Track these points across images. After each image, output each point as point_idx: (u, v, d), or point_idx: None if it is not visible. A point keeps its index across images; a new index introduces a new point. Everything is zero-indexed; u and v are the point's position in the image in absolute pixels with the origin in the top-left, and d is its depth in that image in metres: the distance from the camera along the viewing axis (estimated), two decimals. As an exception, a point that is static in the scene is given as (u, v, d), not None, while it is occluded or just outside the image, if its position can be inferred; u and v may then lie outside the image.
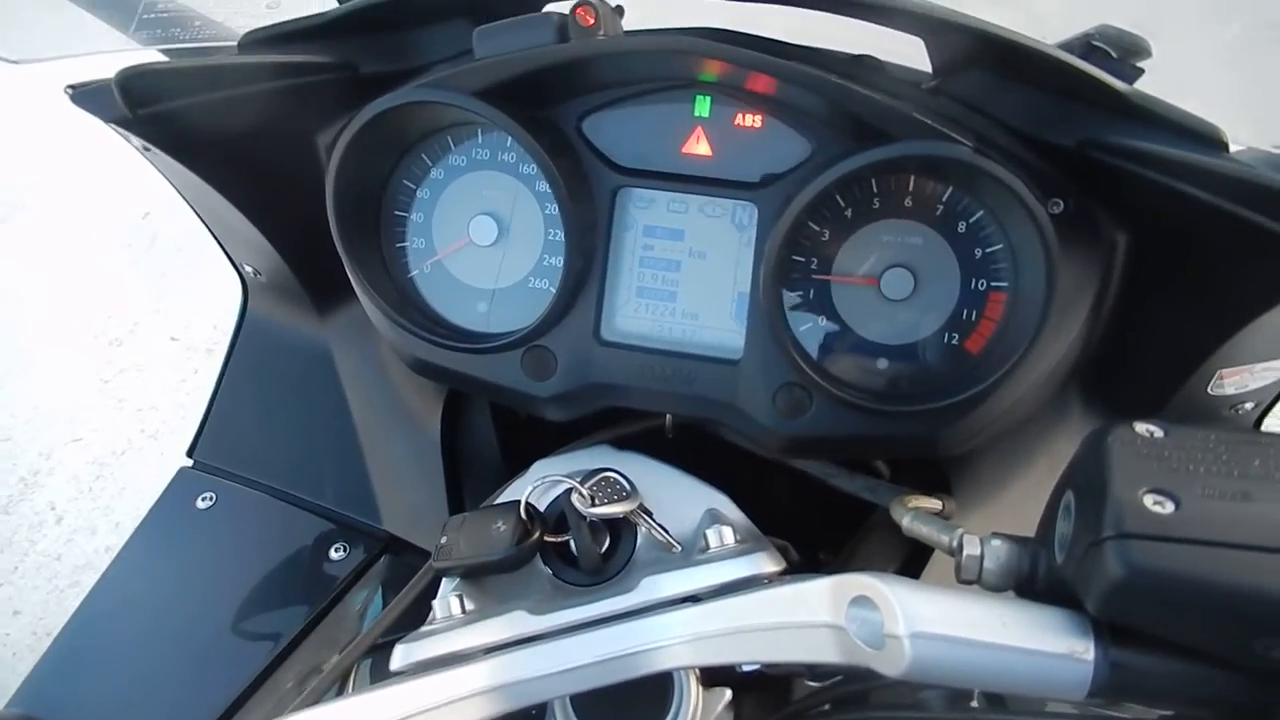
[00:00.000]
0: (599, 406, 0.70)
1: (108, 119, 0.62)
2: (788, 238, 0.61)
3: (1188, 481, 0.39)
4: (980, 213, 0.63)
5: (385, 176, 0.70)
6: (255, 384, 0.95)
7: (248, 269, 0.91)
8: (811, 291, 0.66)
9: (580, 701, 0.63)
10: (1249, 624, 0.37)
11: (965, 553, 0.47)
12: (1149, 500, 0.39)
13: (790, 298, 0.66)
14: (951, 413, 0.63)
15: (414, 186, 0.70)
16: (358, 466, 0.89)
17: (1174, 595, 0.37)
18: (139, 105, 0.61)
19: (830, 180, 0.59)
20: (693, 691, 0.63)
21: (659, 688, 0.63)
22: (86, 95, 0.61)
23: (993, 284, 0.64)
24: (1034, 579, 0.45)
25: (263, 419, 0.94)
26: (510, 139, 0.67)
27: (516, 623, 0.58)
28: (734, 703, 0.69)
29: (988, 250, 0.64)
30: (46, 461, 2.44)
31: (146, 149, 0.70)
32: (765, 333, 0.65)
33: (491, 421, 0.88)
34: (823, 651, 0.46)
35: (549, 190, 0.66)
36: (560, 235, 0.67)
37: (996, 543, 0.46)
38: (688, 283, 0.68)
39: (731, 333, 0.67)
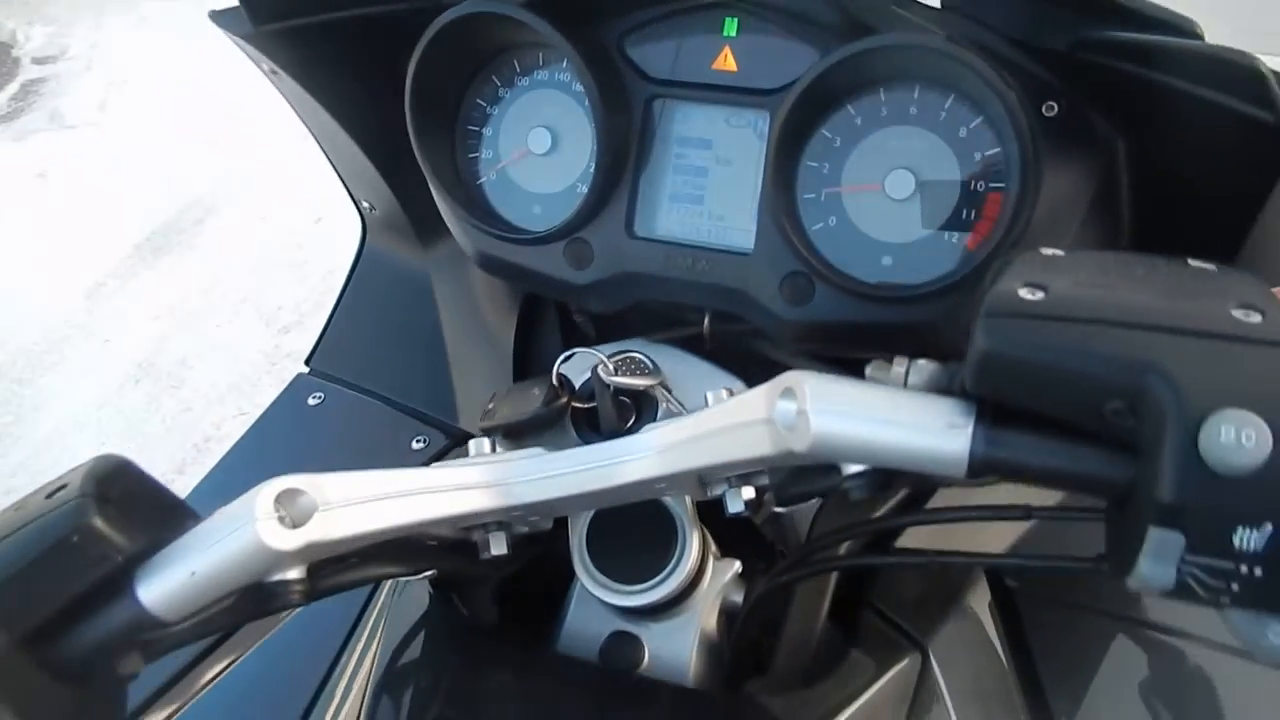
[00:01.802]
0: (632, 298, 0.78)
1: (237, 33, 0.76)
2: (785, 132, 0.68)
3: (1062, 277, 0.44)
4: (979, 119, 0.68)
5: (459, 95, 0.81)
6: (367, 306, 1.10)
7: (364, 204, 1.05)
8: (823, 194, 0.72)
9: (595, 549, 0.71)
10: (1096, 388, 0.41)
11: (893, 370, 0.52)
12: (1023, 291, 0.43)
13: (805, 200, 0.73)
14: (945, 296, 0.67)
15: (485, 104, 0.81)
16: (443, 374, 1.00)
17: (1033, 365, 0.42)
18: (261, 21, 0.75)
19: (815, 75, 0.66)
20: (695, 543, 0.70)
21: (666, 539, 0.70)
22: (223, 16, 0.76)
23: (991, 185, 0.68)
24: (951, 392, 0.50)
25: (370, 335, 1.08)
26: (565, 59, 0.77)
27: (530, 455, 0.66)
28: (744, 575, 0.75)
29: (986, 154, 0.68)
30: (217, 430, 2.72)
31: (274, 72, 0.84)
32: (772, 226, 0.71)
33: (560, 337, 0.98)
34: (759, 446, 0.51)
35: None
36: None
37: (922, 362, 0.51)
38: (714, 187, 0.76)
39: (748, 231, 0.74)
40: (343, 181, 1.05)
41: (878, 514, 0.69)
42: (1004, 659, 0.71)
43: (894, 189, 0.70)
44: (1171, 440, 0.38)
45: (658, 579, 0.69)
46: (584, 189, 0.78)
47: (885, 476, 0.51)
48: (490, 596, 0.80)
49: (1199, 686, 0.69)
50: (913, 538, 0.75)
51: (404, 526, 0.56)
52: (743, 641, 0.73)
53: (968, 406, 0.46)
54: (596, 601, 0.74)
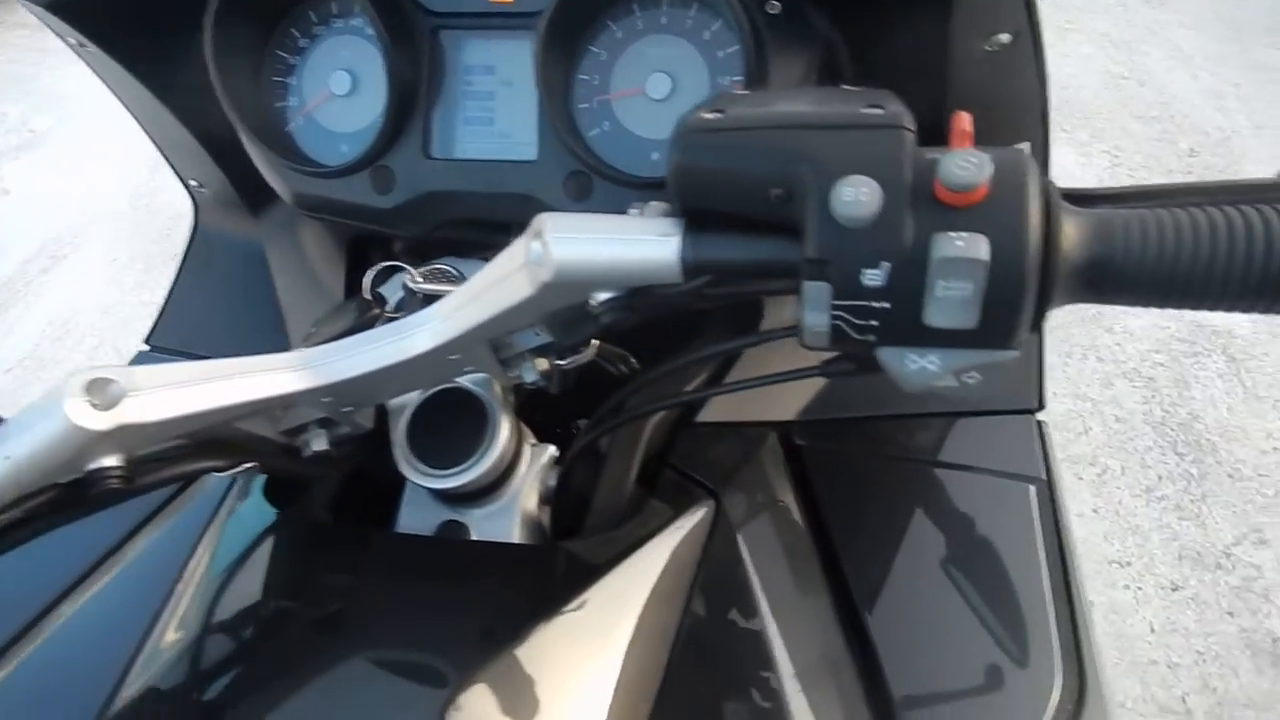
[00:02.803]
0: (437, 217, 0.85)
1: (40, 4, 0.80)
2: (546, 48, 0.77)
3: (738, 104, 0.53)
4: (719, 22, 0.78)
5: (260, 49, 0.87)
6: (202, 281, 1.13)
7: (192, 183, 1.09)
8: (595, 102, 0.81)
9: (416, 442, 0.77)
10: (762, 180, 0.50)
11: (629, 212, 0.60)
12: (706, 115, 0.53)
13: (580, 110, 0.81)
14: None
15: (287, 55, 0.87)
16: (280, 329, 1.05)
17: (714, 168, 0.52)
18: None
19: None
20: (505, 426, 0.77)
21: (480, 426, 0.77)
22: None
23: (734, 78, 0.78)
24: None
25: (208, 306, 1.12)
26: (355, 5, 0.84)
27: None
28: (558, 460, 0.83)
29: (727, 51, 0.78)
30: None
31: (82, 45, 0.88)
32: (552, 135, 0.80)
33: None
34: (522, 289, 0.58)
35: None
36: None
37: (653, 203, 0.60)
38: (501, 108, 0.83)
39: (532, 144, 0.82)
40: (168, 160, 1.08)
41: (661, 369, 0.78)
42: (791, 501, 0.80)
43: (654, 90, 0.79)
44: (812, 208, 0.48)
45: (473, 459, 0.75)
46: (383, 121, 0.85)
47: (628, 299, 0.58)
48: (327, 505, 0.85)
49: (948, 501, 0.80)
50: (722, 410, 0.84)
51: (214, 410, 0.61)
52: (560, 509, 0.80)
53: (678, 221, 0.55)
54: (426, 496, 0.80)
